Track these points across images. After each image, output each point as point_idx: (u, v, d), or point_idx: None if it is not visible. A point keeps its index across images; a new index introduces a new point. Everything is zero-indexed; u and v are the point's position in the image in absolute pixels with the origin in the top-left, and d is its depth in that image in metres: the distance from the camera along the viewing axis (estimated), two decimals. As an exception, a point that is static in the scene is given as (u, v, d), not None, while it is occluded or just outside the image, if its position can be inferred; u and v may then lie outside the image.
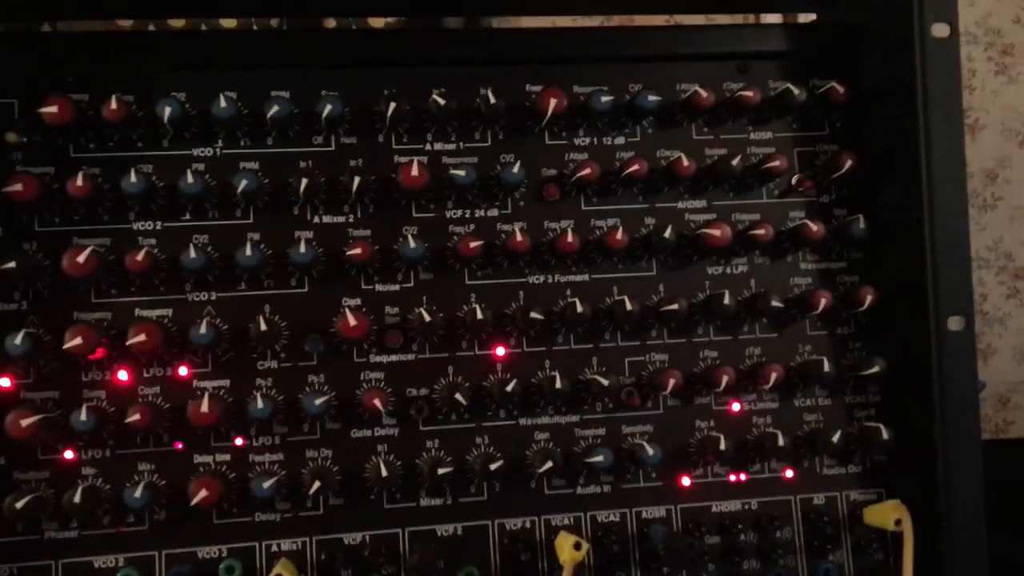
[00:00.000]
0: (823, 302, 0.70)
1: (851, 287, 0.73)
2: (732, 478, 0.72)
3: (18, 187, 0.63)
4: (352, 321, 0.66)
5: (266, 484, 0.63)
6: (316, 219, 0.70)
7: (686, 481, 0.71)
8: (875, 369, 0.70)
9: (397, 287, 0.70)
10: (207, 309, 0.67)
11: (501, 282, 0.71)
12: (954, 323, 0.69)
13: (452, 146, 0.72)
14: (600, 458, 0.67)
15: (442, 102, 0.69)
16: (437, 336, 0.69)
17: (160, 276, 0.67)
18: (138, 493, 0.62)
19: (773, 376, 0.69)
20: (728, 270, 0.74)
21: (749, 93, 0.72)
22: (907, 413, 0.72)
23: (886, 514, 0.68)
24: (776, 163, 0.72)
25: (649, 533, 0.69)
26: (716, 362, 0.72)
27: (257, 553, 0.66)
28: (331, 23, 0.88)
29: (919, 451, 0.70)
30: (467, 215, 0.72)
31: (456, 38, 0.75)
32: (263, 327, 0.65)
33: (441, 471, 0.65)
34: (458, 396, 0.66)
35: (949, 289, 0.69)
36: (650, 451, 0.68)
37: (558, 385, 0.67)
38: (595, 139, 0.73)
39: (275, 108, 0.67)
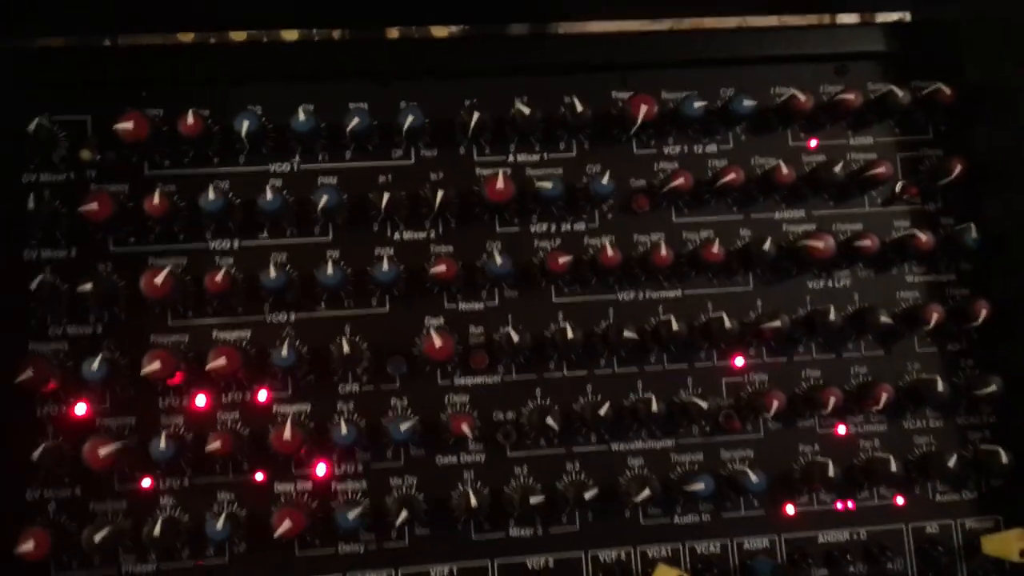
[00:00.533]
0: (935, 316, 0.66)
1: (962, 301, 0.69)
2: (839, 506, 0.67)
3: (94, 206, 0.61)
4: (438, 342, 0.62)
5: (351, 515, 0.60)
6: (397, 235, 0.67)
7: (790, 509, 0.67)
8: (992, 388, 0.66)
9: (481, 305, 0.67)
10: (287, 330, 0.64)
11: (590, 299, 0.68)
12: (1079, 338, 0.64)
13: (536, 157, 0.69)
14: (701, 486, 0.63)
15: (526, 111, 0.66)
16: (524, 357, 0.66)
17: (238, 297, 0.64)
18: (220, 525, 0.59)
19: (884, 396, 0.65)
20: (830, 284, 0.70)
21: (850, 96, 0.68)
22: (1026, 435, 0.67)
23: (1009, 544, 0.63)
24: (881, 169, 0.67)
25: (754, 566, 0.65)
26: (819, 382, 0.68)
27: (341, 586, 0.63)
28: (394, 33, 0.85)
29: (1041, 476, 0.65)
30: (553, 229, 0.68)
31: (537, 45, 0.72)
32: (345, 349, 0.62)
33: (533, 500, 0.62)
34: (549, 420, 0.63)
35: (1072, 302, 0.64)
36: (754, 478, 0.63)
37: (654, 408, 0.64)
38: (685, 147, 0.70)
39: (355, 120, 0.64)
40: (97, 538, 0.58)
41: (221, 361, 0.60)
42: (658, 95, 0.69)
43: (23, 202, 0.62)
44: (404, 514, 0.61)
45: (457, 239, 0.67)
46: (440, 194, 0.64)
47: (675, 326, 0.65)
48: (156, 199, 0.62)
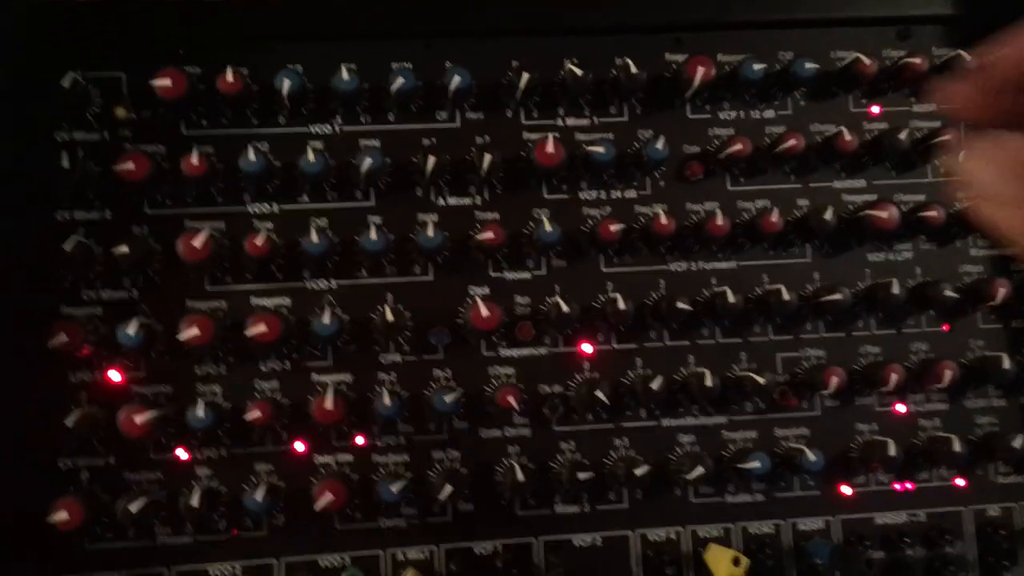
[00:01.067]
0: (1001, 292, 0.63)
1: (1028, 276, 0.66)
2: (897, 487, 0.65)
3: (129, 166, 0.59)
4: (484, 312, 0.60)
5: (394, 488, 0.58)
6: (441, 201, 0.64)
7: (847, 490, 0.64)
8: (1060, 367, 0.63)
9: (528, 275, 0.64)
10: (327, 298, 0.62)
11: (640, 270, 0.65)
12: None
13: (586, 121, 0.66)
14: (756, 464, 0.61)
15: (578, 72, 0.63)
16: (572, 328, 0.64)
17: (278, 262, 0.62)
18: (259, 496, 0.57)
19: (948, 374, 0.62)
20: (891, 256, 0.67)
21: (916, 60, 0.65)
22: (1093, 416, 0.64)
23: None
24: (947, 137, 0.64)
25: (810, 547, 0.62)
26: (878, 358, 0.65)
27: (382, 562, 0.61)
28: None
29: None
30: (603, 196, 0.66)
31: (589, 4, 0.68)
32: (389, 317, 0.60)
33: (582, 476, 0.60)
34: (598, 394, 0.60)
35: None
36: (811, 456, 0.61)
37: (708, 383, 0.61)
38: (742, 112, 0.67)
39: (400, 81, 0.61)
40: (133, 508, 0.56)
41: (262, 328, 0.58)
42: (714, 58, 0.66)
43: (56, 161, 0.59)
44: (448, 488, 0.59)
45: (504, 206, 0.65)
46: (487, 158, 0.62)
47: (731, 298, 0.62)
48: (195, 159, 0.59)
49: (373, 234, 0.60)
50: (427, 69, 0.64)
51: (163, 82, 0.60)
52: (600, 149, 0.63)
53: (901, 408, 0.65)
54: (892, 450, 0.61)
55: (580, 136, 0.66)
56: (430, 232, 0.61)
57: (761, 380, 0.61)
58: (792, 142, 0.63)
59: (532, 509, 0.63)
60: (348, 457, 0.62)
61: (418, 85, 0.63)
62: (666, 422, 0.64)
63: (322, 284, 0.62)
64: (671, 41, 0.67)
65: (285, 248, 0.62)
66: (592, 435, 0.63)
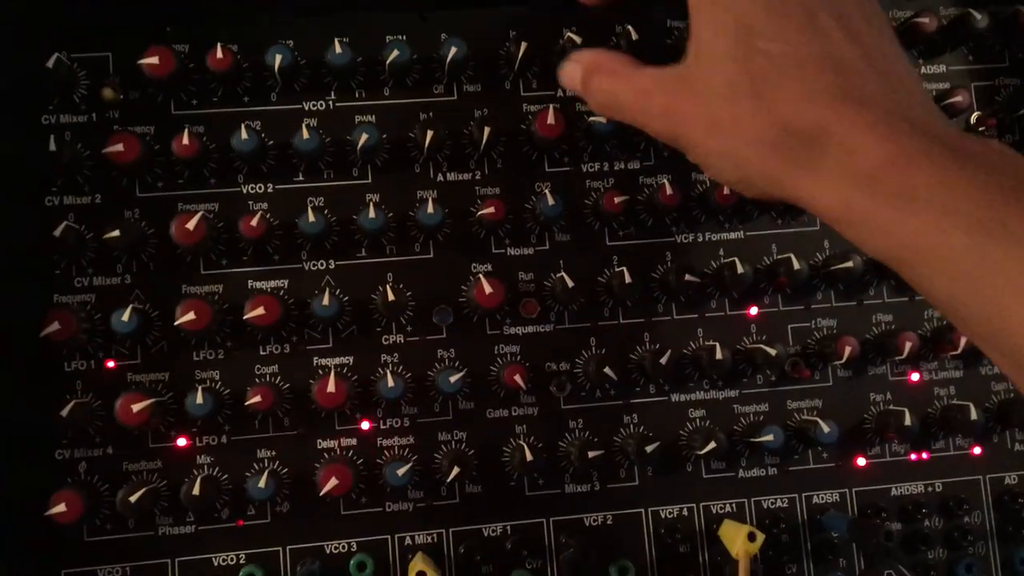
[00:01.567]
0: (1017, 255, 0.61)
1: (1042, 238, 0.64)
2: (913, 457, 0.64)
3: (119, 148, 0.57)
4: (488, 289, 0.59)
5: (401, 471, 0.57)
6: (440, 177, 0.63)
7: (861, 461, 0.63)
8: (1077, 331, 0.61)
9: (531, 250, 0.63)
10: (326, 279, 0.61)
11: (646, 242, 0.64)
12: None
13: (587, 91, 0.64)
14: (770, 437, 0.59)
15: (578, 41, 0.61)
16: (577, 304, 0.62)
17: (274, 243, 0.60)
18: (263, 483, 0.56)
19: (963, 340, 0.61)
20: (902, 222, 0.65)
21: (925, 20, 0.63)
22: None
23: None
24: (959, 98, 0.63)
25: (826, 521, 0.61)
26: (891, 327, 0.64)
27: (389, 546, 0.60)
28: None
29: None
30: (605, 168, 0.64)
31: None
32: (390, 296, 0.58)
33: (592, 454, 0.58)
34: (607, 370, 0.59)
35: None
36: (825, 428, 0.60)
37: (719, 356, 0.60)
38: (746, 79, 0.65)
39: (395, 53, 0.60)
40: (133, 499, 0.55)
41: (260, 311, 0.57)
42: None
43: (43, 144, 0.57)
44: (455, 470, 0.57)
45: (504, 180, 0.63)
46: (486, 131, 0.60)
47: (740, 268, 0.61)
48: (186, 139, 0.58)
49: (372, 212, 0.59)
50: (422, 41, 0.62)
51: (151, 60, 0.58)
52: (602, 119, 0.61)
53: (915, 376, 0.64)
54: (908, 419, 0.60)
55: (581, 107, 0.64)
56: (430, 208, 0.59)
57: (772, 352, 0.60)
58: (799, 107, 0.62)
59: (541, 489, 0.61)
60: (352, 441, 0.60)
61: (413, 58, 0.61)
62: (676, 397, 0.63)
63: (320, 265, 0.61)
64: (672, 6, 0.65)
65: (281, 228, 0.60)
66: (601, 412, 0.62)
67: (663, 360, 0.60)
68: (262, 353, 0.60)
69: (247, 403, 0.56)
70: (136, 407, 0.55)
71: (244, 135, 0.58)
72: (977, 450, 0.64)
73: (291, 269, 0.61)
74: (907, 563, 0.62)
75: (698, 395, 0.63)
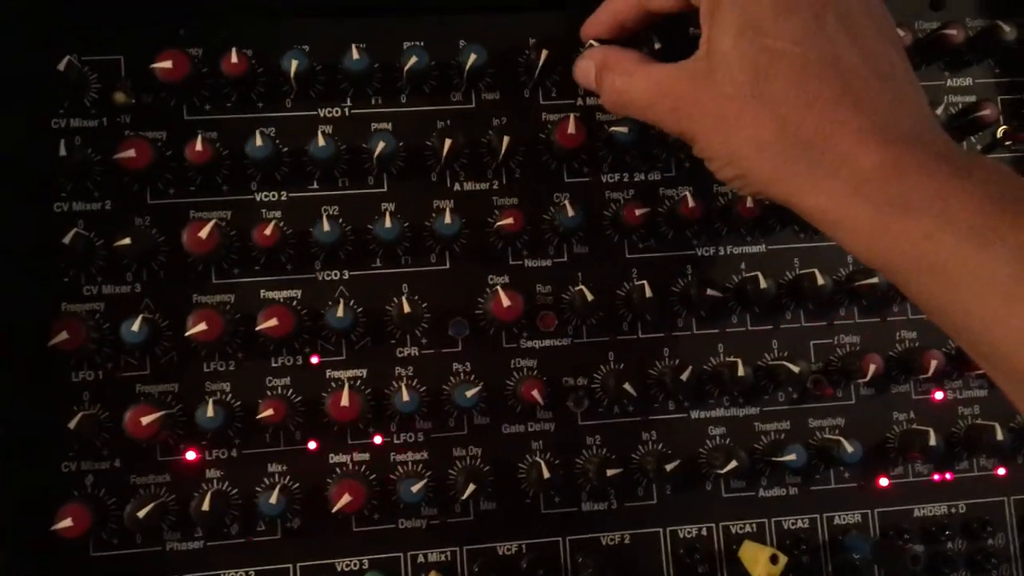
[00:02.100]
0: (1044, 273, 0.60)
1: (1069, 256, 0.63)
2: (936, 477, 0.62)
3: (131, 153, 0.56)
4: (506, 301, 0.57)
5: (415, 487, 0.56)
6: (457, 186, 0.61)
7: (883, 481, 0.62)
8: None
9: (549, 262, 0.62)
10: (340, 289, 0.59)
11: (666, 255, 0.62)
12: None
13: (607, 100, 0.63)
14: (793, 456, 0.58)
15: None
16: (596, 317, 0.61)
17: (287, 253, 0.59)
18: (274, 499, 0.54)
19: (989, 359, 0.59)
20: (927, 238, 0.64)
21: (952, 32, 0.62)
22: None
23: None
24: (986, 112, 0.62)
25: (848, 542, 0.60)
26: (915, 344, 0.63)
27: (402, 564, 0.58)
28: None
29: None
30: (625, 179, 0.63)
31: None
32: (406, 308, 0.57)
33: (610, 472, 0.57)
34: (627, 387, 0.58)
35: None
36: (850, 448, 0.58)
37: (741, 373, 0.59)
38: (770, 90, 0.64)
39: (413, 59, 0.58)
40: (141, 514, 0.54)
41: (273, 322, 0.55)
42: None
43: (53, 149, 0.56)
44: (471, 487, 0.56)
45: (522, 190, 0.62)
46: (507, 140, 0.59)
47: (763, 283, 0.59)
48: (199, 145, 0.56)
49: (387, 221, 0.57)
50: (441, 47, 0.61)
51: (164, 64, 0.56)
52: (623, 129, 0.60)
53: (939, 395, 0.63)
54: (933, 439, 0.59)
55: (601, 116, 0.63)
56: (447, 219, 0.58)
57: (795, 368, 0.59)
58: (824, 119, 0.60)
59: (557, 507, 0.60)
60: (365, 456, 0.59)
61: (431, 64, 0.60)
62: (695, 414, 0.62)
63: (334, 275, 0.60)
64: (695, 17, 0.63)
65: (295, 238, 0.59)
66: (619, 429, 0.61)
67: (684, 376, 0.58)
68: (274, 365, 0.58)
69: (258, 416, 0.55)
70: (145, 420, 0.54)
71: (259, 141, 0.56)
72: (1002, 471, 0.63)
73: (305, 279, 0.59)
74: (930, 586, 0.61)
75: (718, 412, 0.62)
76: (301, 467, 0.58)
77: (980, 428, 0.61)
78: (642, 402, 0.61)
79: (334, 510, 0.55)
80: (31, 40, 0.58)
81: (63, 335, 0.54)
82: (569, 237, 0.61)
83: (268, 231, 0.56)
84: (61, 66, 0.56)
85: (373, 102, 0.61)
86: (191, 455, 0.57)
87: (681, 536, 0.60)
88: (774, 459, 0.59)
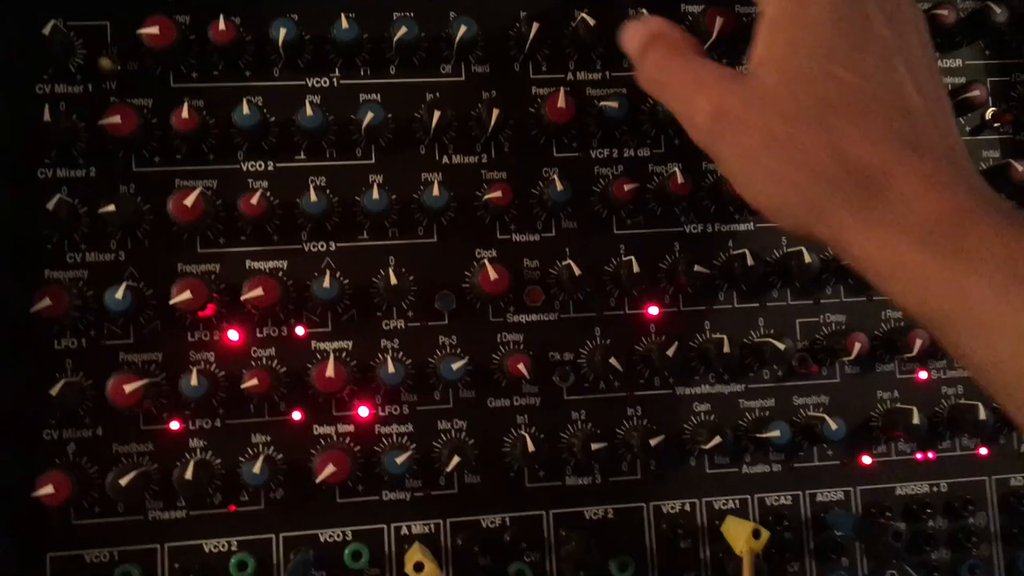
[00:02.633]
0: (1030, 254, 0.60)
1: (1055, 238, 0.63)
2: (919, 456, 0.63)
3: (116, 119, 0.55)
4: (493, 275, 0.57)
5: (400, 459, 0.55)
6: (446, 159, 0.61)
7: (866, 459, 0.62)
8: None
9: (537, 237, 0.61)
10: (326, 261, 0.59)
11: (654, 231, 0.62)
12: None
13: (597, 75, 0.63)
14: (776, 433, 0.58)
15: (592, 22, 0.60)
16: (583, 293, 0.61)
17: (274, 223, 0.58)
18: (257, 468, 0.54)
19: (974, 340, 0.60)
20: (914, 218, 0.64)
21: (944, 12, 0.62)
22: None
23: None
24: (976, 93, 0.62)
25: (830, 519, 0.60)
26: (901, 323, 0.63)
27: (385, 536, 0.58)
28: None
29: None
30: (615, 155, 0.63)
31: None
32: (392, 280, 0.57)
33: (595, 446, 0.57)
34: (613, 361, 0.58)
35: None
36: (833, 425, 0.59)
37: (727, 349, 0.59)
38: (760, 67, 0.64)
39: (403, 30, 0.58)
40: (123, 482, 0.53)
41: (258, 292, 0.55)
42: (732, 8, 0.62)
43: (37, 115, 0.55)
44: (455, 459, 0.56)
45: (511, 164, 0.61)
46: (495, 114, 0.58)
47: (750, 260, 0.59)
48: (185, 113, 0.56)
49: (375, 193, 0.57)
50: (431, 19, 0.60)
51: (150, 31, 0.56)
52: (614, 104, 0.60)
53: (923, 375, 0.63)
54: (916, 418, 0.59)
55: (592, 91, 0.62)
56: (435, 191, 0.57)
57: (781, 346, 0.59)
58: (814, 97, 0.60)
59: (542, 481, 0.60)
60: (349, 428, 0.59)
61: (421, 36, 0.59)
62: (681, 390, 0.62)
63: (321, 246, 0.59)
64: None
65: (281, 208, 0.58)
66: (604, 404, 0.61)
67: (669, 352, 0.58)
68: (259, 336, 0.58)
69: (243, 386, 0.55)
70: (128, 387, 0.53)
71: (246, 110, 0.56)
72: (984, 451, 0.63)
73: (291, 250, 0.59)
74: (911, 563, 0.61)
75: (703, 389, 0.62)
76: (285, 438, 0.58)
77: (963, 408, 0.61)
78: (628, 378, 0.61)
79: (318, 480, 0.54)
80: (15, 3, 0.57)
81: (46, 302, 0.54)
82: (557, 212, 0.61)
83: (254, 200, 0.56)
84: (46, 30, 0.55)
85: (362, 73, 0.61)
86: (174, 424, 0.57)
87: (665, 511, 0.61)
88: (758, 436, 0.59)
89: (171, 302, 0.54)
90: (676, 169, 0.60)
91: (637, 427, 0.60)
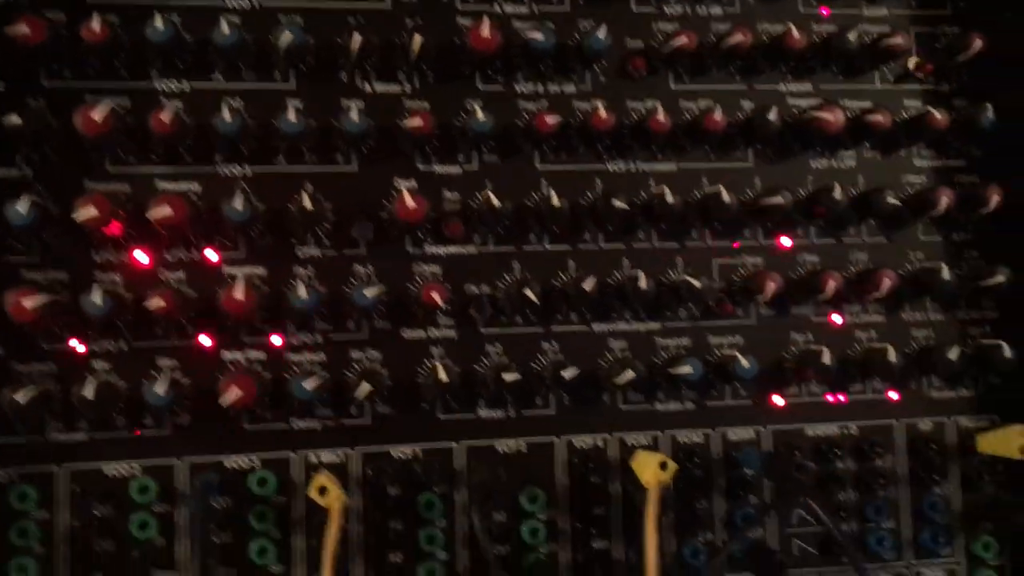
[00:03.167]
0: (944, 200, 0.61)
1: (971, 188, 0.64)
2: (830, 399, 0.63)
3: (24, 29, 0.54)
4: (410, 203, 0.56)
5: (307, 384, 0.55)
6: (367, 87, 0.60)
7: (778, 400, 0.63)
8: (998, 279, 0.62)
9: (458, 169, 0.61)
10: (240, 184, 0.58)
11: (576, 168, 0.62)
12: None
13: (524, 8, 0.62)
14: (688, 369, 0.59)
15: (518, -46, 0.59)
16: (503, 226, 0.60)
17: (187, 144, 0.57)
18: (160, 389, 0.53)
19: (886, 283, 0.61)
20: (834, 163, 0.65)
21: (870, -42, 0.62)
22: (1028, 332, 0.63)
23: (1009, 441, 0.60)
24: (897, 40, 0.62)
25: (740, 457, 0.61)
26: (817, 267, 0.63)
27: (293, 464, 0.58)
28: None
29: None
30: (540, 90, 0.62)
31: None
32: (307, 206, 0.56)
33: (507, 377, 0.57)
34: (528, 292, 0.58)
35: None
36: (745, 364, 0.59)
37: (643, 285, 0.59)
38: (688, 8, 0.64)
39: (324, -49, 0.57)
40: (21, 399, 0.52)
41: (166, 210, 0.54)
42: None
43: (-60, 22, 0.54)
44: (365, 387, 0.55)
45: (434, 94, 0.61)
46: (418, 42, 0.58)
47: (669, 199, 0.59)
48: (96, 25, 0.54)
49: (292, 115, 0.56)
50: (355, -57, 0.59)
51: (61, -62, 0.54)
52: (539, 36, 0.59)
53: (837, 319, 0.64)
54: (827, 358, 0.60)
55: (518, 24, 0.62)
56: (354, 117, 0.57)
57: (697, 284, 0.59)
58: (739, 38, 0.61)
59: (455, 413, 0.60)
60: (259, 354, 0.58)
61: (344, -40, 0.58)
62: (597, 327, 0.62)
63: (235, 170, 0.58)
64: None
65: (195, 129, 0.57)
66: (520, 338, 0.61)
67: (586, 285, 0.58)
68: (169, 259, 0.57)
69: (148, 305, 0.54)
70: (28, 303, 0.52)
71: (159, 26, 0.55)
72: (894, 395, 0.64)
73: (204, 173, 0.58)
74: (818, 503, 0.61)
75: (620, 326, 0.62)
76: (193, 363, 0.57)
77: (874, 351, 0.62)
78: (545, 313, 0.61)
79: (224, 403, 0.53)
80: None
81: (-56, 213, 0.52)
82: (479, 144, 0.61)
83: (166, 117, 0.54)
84: (-50, -68, 0.53)
85: (284, -5, 0.60)
86: (78, 345, 0.56)
87: (577, 446, 0.61)
88: (671, 371, 0.59)
89: (75, 217, 0.53)
90: (599, 104, 0.60)
91: (552, 361, 0.60)
